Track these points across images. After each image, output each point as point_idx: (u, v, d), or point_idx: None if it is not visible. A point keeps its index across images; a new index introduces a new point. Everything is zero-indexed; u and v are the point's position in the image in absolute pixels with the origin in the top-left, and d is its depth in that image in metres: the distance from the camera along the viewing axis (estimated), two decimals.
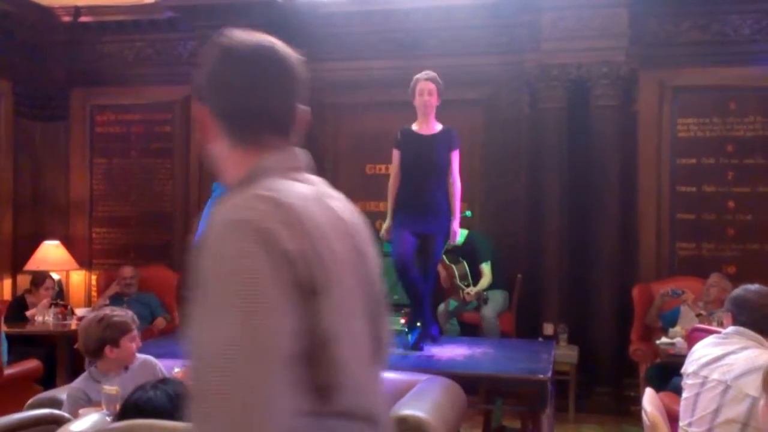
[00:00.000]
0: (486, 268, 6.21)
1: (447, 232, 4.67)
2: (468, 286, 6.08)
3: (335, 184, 5.81)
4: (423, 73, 4.61)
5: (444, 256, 6.25)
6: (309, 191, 1.32)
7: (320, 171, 5.94)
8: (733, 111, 6.30)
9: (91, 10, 7.20)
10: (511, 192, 6.73)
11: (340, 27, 6.82)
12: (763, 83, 6.17)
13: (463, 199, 5.81)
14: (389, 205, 4.73)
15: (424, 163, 4.57)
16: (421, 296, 4.62)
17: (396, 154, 4.68)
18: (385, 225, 4.73)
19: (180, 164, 7.35)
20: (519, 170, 6.72)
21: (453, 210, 4.59)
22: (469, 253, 6.21)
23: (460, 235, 4.74)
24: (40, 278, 6.50)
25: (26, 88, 7.30)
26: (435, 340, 4.75)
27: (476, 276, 6.18)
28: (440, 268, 6.24)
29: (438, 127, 4.64)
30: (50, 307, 6.12)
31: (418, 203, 4.56)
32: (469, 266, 6.20)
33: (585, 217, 6.26)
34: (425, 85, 4.54)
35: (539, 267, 6.34)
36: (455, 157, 4.61)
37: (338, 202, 1.41)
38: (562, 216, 6.29)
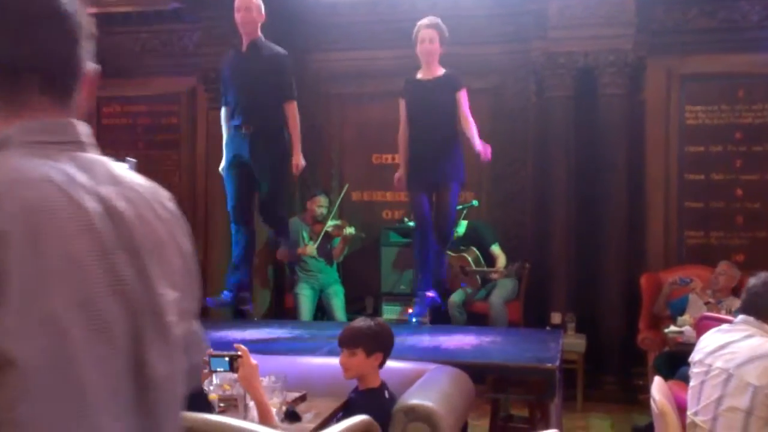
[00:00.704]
0: (496, 249, 6.23)
1: (459, 178, 4.68)
2: (484, 268, 6.11)
3: (342, 174, 5.87)
4: (425, 19, 4.66)
5: (449, 251, 6.26)
6: (47, 173, 0.95)
7: (326, 161, 6.02)
8: (742, 98, 6.27)
9: (97, 1, 7.19)
10: (518, 181, 6.72)
11: (345, 17, 6.80)
12: None
13: (471, 188, 5.83)
14: (400, 154, 4.79)
15: (430, 109, 4.60)
16: (430, 262, 4.65)
17: (402, 104, 4.74)
18: (397, 174, 4.78)
19: (187, 156, 7.36)
20: (526, 159, 6.70)
21: (472, 139, 4.57)
22: (474, 240, 6.22)
23: (486, 153, 4.68)
24: None
25: None
26: (434, 305, 4.82)
27: (488, 262, 6.20)
28: (450, 260, 6.26)
29: (441, 71, 4.65)
30: None
31: (429, 149, 4.60)
32: (479, 251, 6.22)
33: (592, 205, 6.25)
34: (426, 33, 4.59)
35: (547, 256, 6.33)
36: (463, 97, 4.62)
37: (110, 191, 1.05)
38: (569, 205, 6.27)
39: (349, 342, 3.06)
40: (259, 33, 4.71)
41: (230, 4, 6.43)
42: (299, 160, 4.66)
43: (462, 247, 6.24)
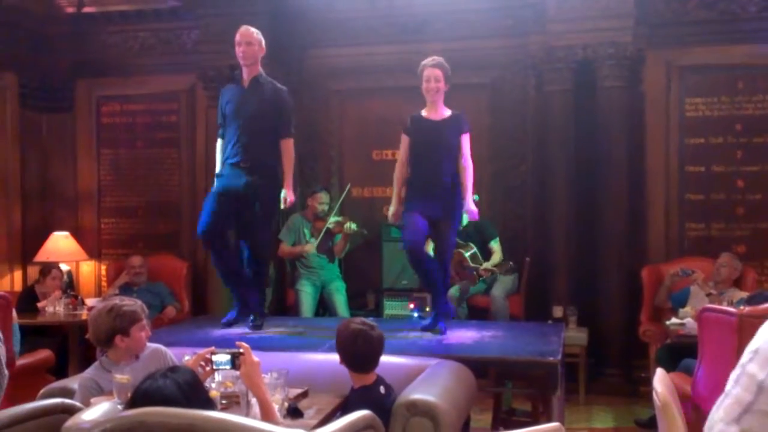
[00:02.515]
0: (495, 245, 6.25)
1: (459, 217, 4.70)
2: (481, 265, 6.12)
3: (342, 170, 5.87)
4: (429, 59, 4.61)
5: None
6: None
7: (326, 158, 6.01)
8: (741, 90, 6.26)
9: (95, 0, 7.19)
10: (518, 175, 6.72)
11: (343, 12, 6.79)
12: None
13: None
14: (395, 190, 4.75)
15: (434, 149, 4.58)
16: (436, 280, 4.62)
17: (405, 140, 4.70)
18: (392, 209, 4.75)
19: (186, 154, 7.35)
20: (525, 153, 6.70)
21: (465, 191, 4.59)
22: (475, 235, 6.23)
23: (474, 214, 4.70)
24: (47, 268, 6.53)
25: (31, 80, 7.30)
26: (449, 316, 4.79)
27: (486, 258, 6.21)
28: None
29: (447, 112, 4.65)
30: (61, 297, 6.15)
31: (430, 189, 4.57)
32: (478, 248, 6.22)
33: (593, 199, 6.24)
34: (432, 72, 4.55)
35: (547, 250, 6.33)
36: (465, 141, 4.61)
37: None
38: (569, 198, 6.27)
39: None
40: (260, 68, 4.70)
41: (227, 1, 6.46)
42: (290, 196, 4.69)
43: (461, 242, 6.25)
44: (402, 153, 4.72)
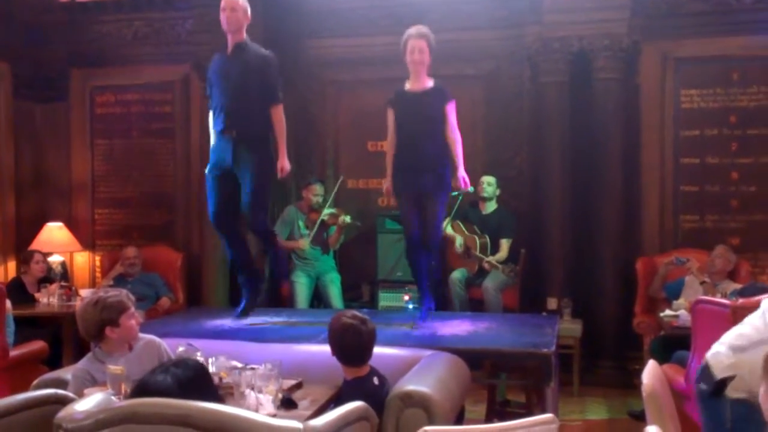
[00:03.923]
0: (505, 244, 6.27)
1: (447, 189, 4.66)
2: (486, 257, 6.13)
3: (337, 161, 5.84)
4: (413, 28, 4.58)
5: (464, 227, 6.29)
6: None
7: (321, 149, 5.98)
8: (736, 81, 6.26)
9: None
10: (513, 167, 6.71)
11: (340, 3, 6.77)
12: (765, 52, 6.12)
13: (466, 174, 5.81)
14: (388, 164, 4.72)
15: (418, 121, 4.56)
16: (423, 274, 4.63)
17: (390, 113, 4.68)
18: (386, 183, 4.74)
19: (181, 144, 7.33)
20: (521, 145, 6.69)
21: (456, 160, 4.57)
22: (494, 226, 6.29)
23: (465, 183, 4.67)
24: (28, 255, 6.50)
25: (25, 69, 7.27)
26: (430, 311, 4.75)
27: (495, 251, 6.26)
28: (456, 236, 6.28)
29: (430, 83, 4.62)
30: (52, 283, 6.19)
31: (415, 161, 4.55)
32: (490, 240, 6.24)
33: (588, 190, 6.25)
34: (416, 43, 4.52)
35: (542, 241, 6.33)
36: (451, 110, 4.58)
37: None
38: (564, 190, 6.28)
39: None
40: (245, 35, 4.60)
41: None
42: (285, 164, 4.55)
43: (477, 231, 6.28)
44: (389, 127, 4.70)
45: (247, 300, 4.81)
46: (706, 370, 2.62)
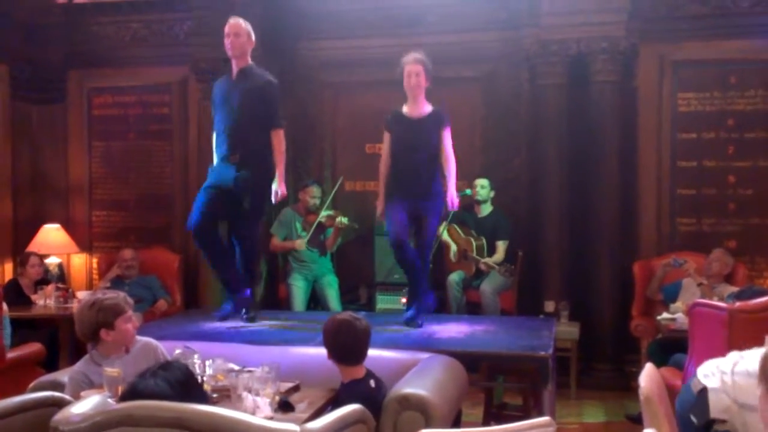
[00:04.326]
0: (501, 245, 6.27)
1: (439, 212, 4.69)
2: (483, 258, 6.13)
3: (334, 164, 5.86)
4: (410, 55, 4.60)
5: (460, 230, 6.29)
6: None
7: (319, 151, 6.00)
8: (734, 85, 6.26)
9: None
10: (511, 169, 6.72)
11: (337, 5, 6.77)
12: (763, 56, 6.13)
13: (463, 177, 5.84)
14: (381, 187, 4.75)
15: (414, 146, 4.59)
16: (418, 273, 4.63)
17: (386, 137, 4.71)
18: (379, 208, 4.75)
19: (179, 146, 7.32)
20: (519, 147, 6.70)
21: (448, 181, 4.59)
22: (489, 228, 6.29)
23: (454, 203, 4.69)
24: (24, 257, 6.49)
25: (23, 70, 7.26)
26: (430, 310, 4.76)
27: (491, 253, 6.26)
28: (450, 242, 6.28)
29: (428, 108, 4.64)
30: (49, 284, 6.18)
31: (411, 186, 4.58)
32: (486, 242, 6.24)
33: (585, 193, 6.25)
34: (412, 68, 4.54)
35: (540, 244, 6.33)
36: (447, 136, 4.61)
37: None
38: (562, 192, 6.28)
39: None
40: (249, 59, 4.66)
41: None
42: (282, 189, 4.63)
43: (472, 233, 6.28)
44: (384, 149, 4.73)
45: (233, 307, 4.77)
46: (701, 401, 2.46)
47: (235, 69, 4.66)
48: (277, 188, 4.63)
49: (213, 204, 4.60)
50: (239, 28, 4.59)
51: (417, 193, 4.56)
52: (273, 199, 4.68)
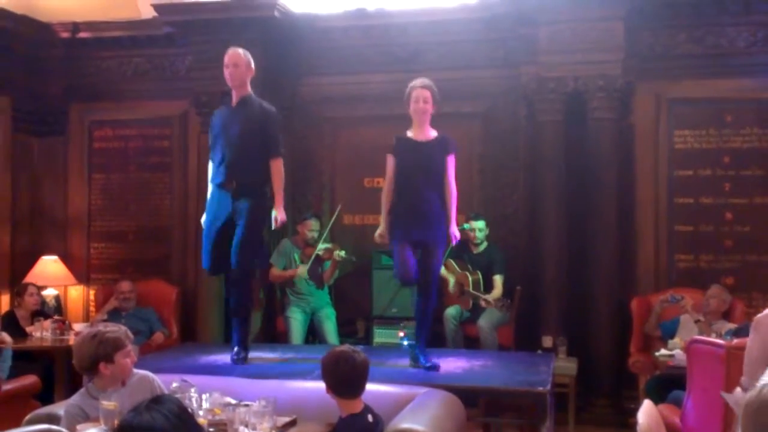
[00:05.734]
0: (498, 280, 6.26)
1: (445, 240, 4.64)
2: (481, 293, 6.11)
3: (333, 197, 5.88)
4: (418, 80, 4.63)
5: (456, 264, 6.28)
6: None
7: (318, 184, 6.02)
8: (729, 123, 6.32)
9: (90, 26, 7.22)
10: (509, 204, 6.74)
11: (337, 41, 6.85)
12: (758, 95, 6.20)
13: (461, 211, 5.87)
14: (383, 211, 4.70)
15: (421, 170, 4.56)
16: (420, 317, 4.60)
17: (390, 160, 4.66)
18: (379, 230, 4.71)
19: (178, 179, 7.35)
20: (516, 183, 6.73)
21: (449, 214, 4.58)
22: (485, 264, 6.28)
23: (455, 239, 4.69)
24: (22, 288, 6.48)
25: (24, 103, 7.31)
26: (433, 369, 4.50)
27: (487, 288, 6.23)
28: (448, 275, 6.27)
29: (433, 133, 4.65)
30: (45, 317, 6.16)
31: (416, 211, 4.54)
32: (482, 277, 6.24)
33: (583, 229, 6.27)
34: (420, 93, 4.56)
35: (538, 279, 6.33)
36: (451, 162, 4.61)
37: None
38: (560, 228, 6.29)
39: None
40: (249, 89, 4.71)
41: (222, 27, 6.51)
42: (281, 215, 4.64)
43: (469, 268, 6.28)
44: (388, 172, 4.68)
45: (240, 343, 4.70)
46: None
47: (235, 98, 4.71)
48: (277, 214, 4.63)
49: (218, 241, 4.63)
50: (238, 58, 4.64)
51: (424, 218, 4.52)
52: (273, 225, 4.68)
